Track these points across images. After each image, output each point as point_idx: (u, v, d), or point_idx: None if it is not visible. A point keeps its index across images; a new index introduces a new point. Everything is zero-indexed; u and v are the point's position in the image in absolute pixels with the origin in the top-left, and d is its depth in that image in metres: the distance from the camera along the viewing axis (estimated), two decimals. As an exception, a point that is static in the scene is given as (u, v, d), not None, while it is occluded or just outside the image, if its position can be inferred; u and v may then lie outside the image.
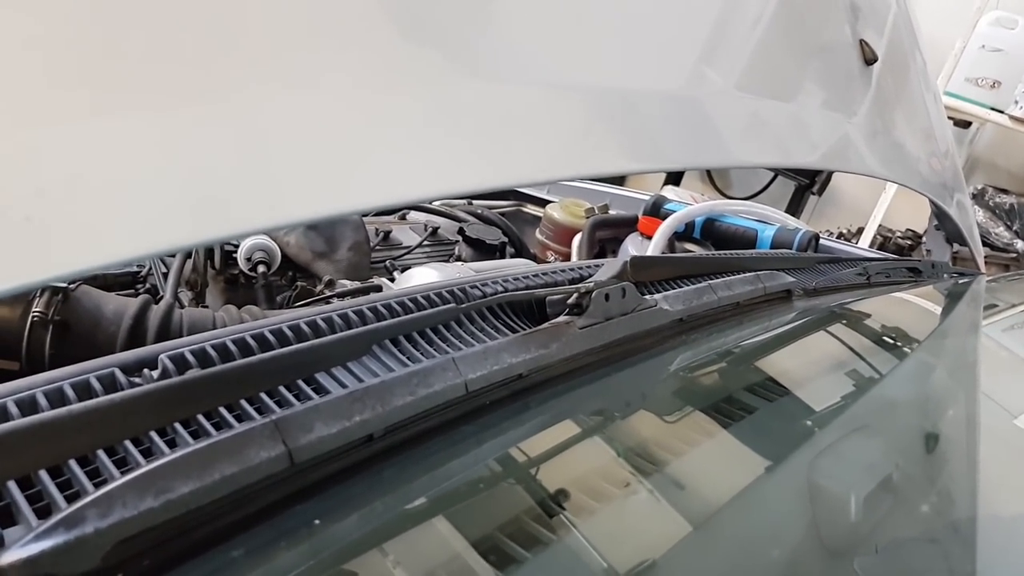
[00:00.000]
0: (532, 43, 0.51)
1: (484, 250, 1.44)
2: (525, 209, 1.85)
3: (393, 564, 0.37)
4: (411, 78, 0.43)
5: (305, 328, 0.49)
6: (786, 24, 0.81)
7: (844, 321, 0.88)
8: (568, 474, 0.48)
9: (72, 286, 0.78)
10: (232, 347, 0.45)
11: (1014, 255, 3.26)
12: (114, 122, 0.29)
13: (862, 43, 0.96)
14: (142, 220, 0.29)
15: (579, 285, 0.61)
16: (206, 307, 1.03)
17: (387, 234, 1.39)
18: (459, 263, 1.25)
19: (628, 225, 1.49)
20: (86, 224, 0.27)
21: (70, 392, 0.38)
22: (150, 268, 1.13)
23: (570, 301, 0.60)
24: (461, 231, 1.46)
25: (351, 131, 0.39)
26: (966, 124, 3.56)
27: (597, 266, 0.73)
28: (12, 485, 0.33)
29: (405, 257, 1.36)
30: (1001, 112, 3.21)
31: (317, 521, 0.38)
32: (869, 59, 0.96)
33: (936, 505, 0.55)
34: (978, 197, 3.40)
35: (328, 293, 1.05)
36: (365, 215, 1.34)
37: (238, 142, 0.33)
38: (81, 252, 0.27)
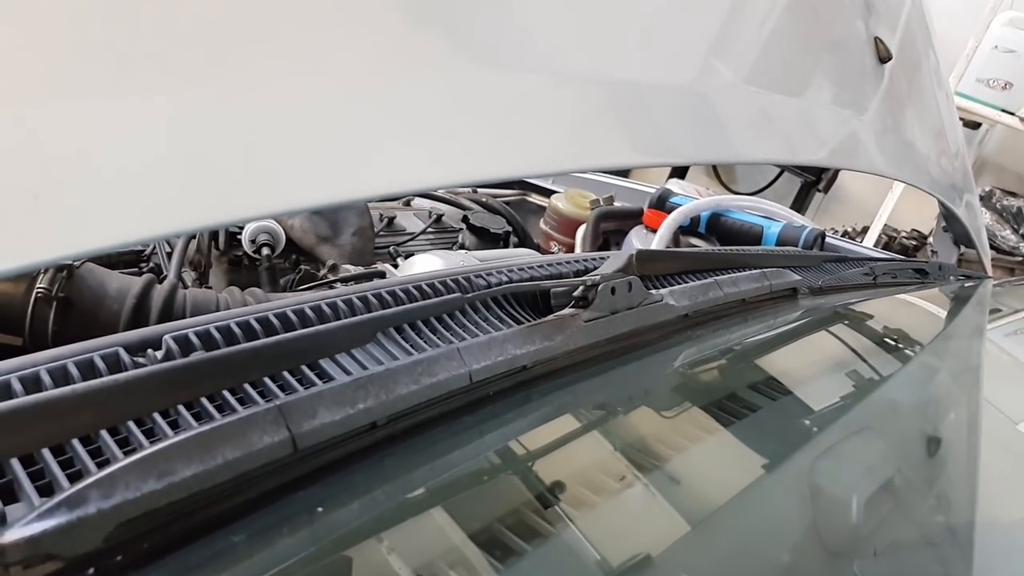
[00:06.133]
0: (542, 32, 0.50)
1: (488, 239, 1.43)
2: (530, 198, 1.85)
3: (393, 551, 0.37)
4: (421, 65, 0.42)
5: (309, 313, 0.49)
6: (799, 18, 0.80)
7: (849, 322, 0.88)
8: (570, 467, 0.48)
9: (76, 263, 0.78)
10: (236, 330, 0.45)
11: (1020, 259, 3.24)
12: (124, 102, 0.29)
13: (877, 40, 0.95)
14: (150, 202, 0.29)
15: (585, 277, 0.61)
16: (209, 288, 1.03)
17: (391, 220, 1.39)
18: (462, 251, 1.25)
19: (633, 217, 1.48)
20: (95, 205, 0.27)
21: (74, 370, 0.38)
22: (154, 247, 1.12)
23: (576, 293, 0.59)
24: (465, 219, 1.45)
25: (359, 118, 0.39)
26: (975, 125, 3.54)
27: (602, 258, 0.72)
28: (15, 462, 0.33)
29: (409, 243, 1.36)
30: (1012, 114, 3.19)
31: (319, 508, 0.38)
32: (883, 57, 0.95)
33: (936, 509, 0.55)
34: (985, 199, 3.38)
35: (332, 278, 1.05)
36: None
37: (247, 126, 0.33)
38: (89, 232, 0.26)
